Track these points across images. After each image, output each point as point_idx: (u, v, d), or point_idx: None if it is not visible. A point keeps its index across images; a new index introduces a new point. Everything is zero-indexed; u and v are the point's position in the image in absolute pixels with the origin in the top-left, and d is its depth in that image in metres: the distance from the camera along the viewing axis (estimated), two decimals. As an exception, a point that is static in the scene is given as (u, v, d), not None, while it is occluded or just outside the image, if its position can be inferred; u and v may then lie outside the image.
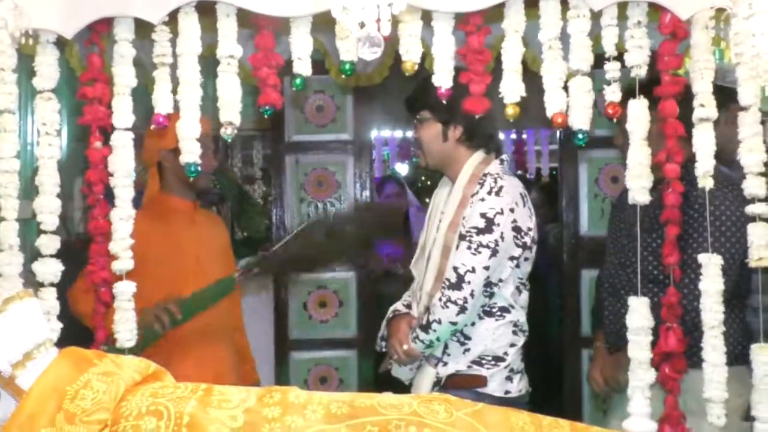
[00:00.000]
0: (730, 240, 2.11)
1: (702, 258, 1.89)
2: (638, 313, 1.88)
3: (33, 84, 1.92)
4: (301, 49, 1.91)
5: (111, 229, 1.93)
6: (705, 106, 1.87)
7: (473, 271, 2.20)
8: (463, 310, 2.20)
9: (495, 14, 1.94)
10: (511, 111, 1.88)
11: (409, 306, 2.47)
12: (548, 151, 6.35)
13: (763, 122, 1.94)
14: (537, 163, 6.54)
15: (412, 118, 2.50)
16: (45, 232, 1.91)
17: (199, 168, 1.89)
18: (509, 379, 2.29)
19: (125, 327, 1.88)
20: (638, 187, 1.88)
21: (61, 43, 1.95)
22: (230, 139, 1.93)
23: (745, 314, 2.28)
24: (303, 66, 1.92)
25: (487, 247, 2.20)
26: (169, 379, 1.20)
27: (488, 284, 2.23)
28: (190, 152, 1.88)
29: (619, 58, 1.89)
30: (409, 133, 6.12)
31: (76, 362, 1.09)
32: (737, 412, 2.05)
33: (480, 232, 2.22)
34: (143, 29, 1.93)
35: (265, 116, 1.91)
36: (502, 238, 2.22)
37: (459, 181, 2.37)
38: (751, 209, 1.84)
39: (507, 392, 2.27)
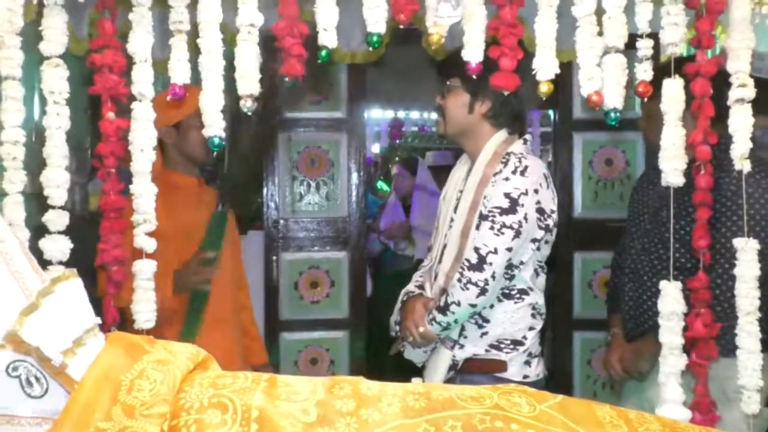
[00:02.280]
0: (761, 224, 2.07)
1: (738, 242, 1.84)
2: (670, 298, 1.83)
3: (39, 50, 1.79)
4: (326, 20, 1.81)
5: (123, 206, 1.84)
6: (744, 86, 1.82)
7: (495, 252, 2.14)
8: (483, 292, 2.14)
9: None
10: (545, 88, 1.81)
11: (421, 287, 2.40)
12: (539, 133, 6.31)
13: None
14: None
15: (441, 83, 2.40)
16: (53, 207, 1.79)
17: (223, 142, 1.79)
18: (527, 363, 2.24)
19: (144, 307, 1.79)
20: (672, 169, 1.82)
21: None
22: (250, 112, 1.83)
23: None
24: (329, 37, 1.82)
25: (511, 228, 2.14)
26: (216, 366, 1.12)
27: (509, 266, 2.17)
28: (213, 125, 1.78)
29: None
30: (402, 113, 6.04)
31: (127, 349, 1.00)
32: (762, 398, 2.03)
33: (504, 212, 2.16)
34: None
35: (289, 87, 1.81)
36: (525, 219, 2.16)
37: (480, 159, 2.30)
38: None
39: (525, 377, 2.23)
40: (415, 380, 2.20)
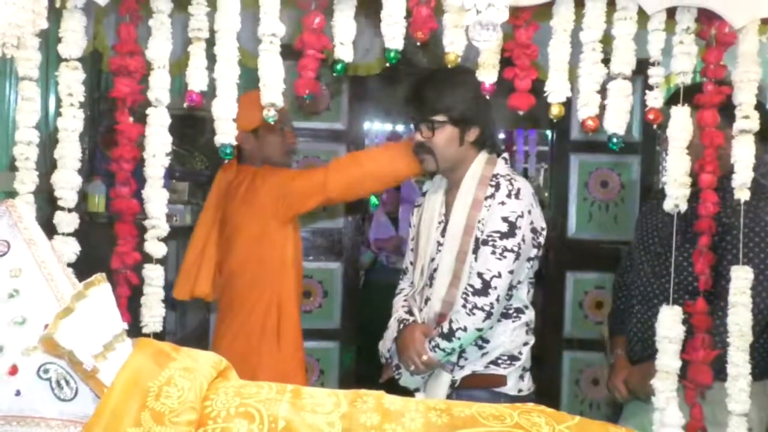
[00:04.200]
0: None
1: (733, 269, 1.88)
2: (669, 322, 1.86)
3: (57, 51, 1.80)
4: (344, 34, 1.83)
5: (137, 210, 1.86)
6: (748, 118, 1.86)
7: (499, 276, 2.16)
8: (489, 315, 2.16)
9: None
10: (556, 111, 1.84)
11: (410, 312, 2.38)
12: (536, 152, 6.37)
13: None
14: (524, 163, 6.55)
15: (417, 119, 2.32)
16: (63, 208, 1.80)
17: (234, 150, 1.80)
18: (521, 377, 2.27)
19: (152, 312, 1.79)
20: (679, 194, 1.85)
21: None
22: (273, 121, 1.84)
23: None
24: (345, 51, 1.84)
25: (512, 251, 2.17)
26: (235, 375, 1.13)
27: (510, 287, 2.20)
28: (225, 133, 1.79)
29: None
30: (400, 127, 6.06)
31: (154, 356, 1.01)
32: (763, 425, 2.06)
33: (503, 236, 2.18)
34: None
35: (306, 101, 1.83)
36: (523, 241, 2.19)
37: (467, 183, 2.29)
38: None
39: (520, 390, 2.25)
40: (419, 395, 2.21)
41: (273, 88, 1.78)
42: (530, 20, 1.87)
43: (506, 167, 2.32)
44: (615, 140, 1.86)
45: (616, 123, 1.84)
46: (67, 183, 1.83)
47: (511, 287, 2.20)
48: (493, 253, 2.17)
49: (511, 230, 2.18)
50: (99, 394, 0.96)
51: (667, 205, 1.88)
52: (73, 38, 1.81)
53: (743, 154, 1.85)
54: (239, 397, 1.00)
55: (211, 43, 1.83)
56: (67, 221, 1.83)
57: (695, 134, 1.89)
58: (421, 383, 2.31)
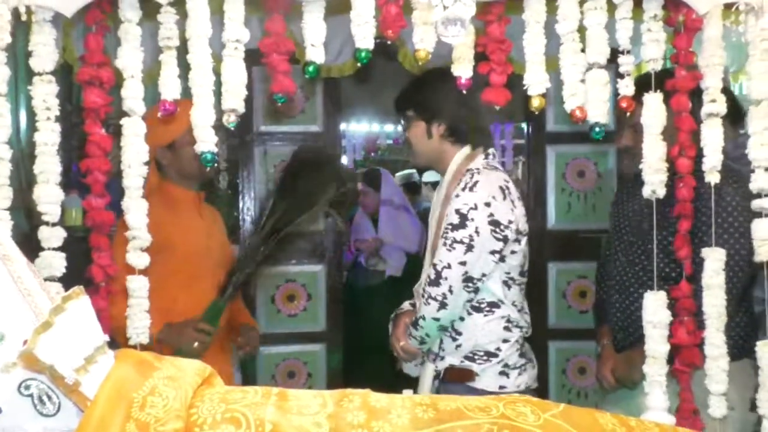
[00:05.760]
0: (744, 236, 2.12)
1: (705, 251, 1.89)
2: (654, 307, 1.88)
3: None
4: (313, 35, 1.83)
5: (112, 222, 1.84)
6: (715, 102, 1.88)
7: (449, 267, 2.20)
8: (443, 305, 2.21)
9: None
10: (537, 103, 1.85)
11: (414, 304, 2.44)
12: (512, 146, 6.41)
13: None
14: (502, 157, 6.60)
15: (400, 117, 2.50)
16: (47, 223, 1.78)
17: (216, 157, 1.79)
18: (504, 374, 2.27)
19: (135, 324, 1.78)
20: (656, 181, 1.87)
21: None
22: (234, 127, 1.84)
23: (752, 306, 2.30)
24: (316, 53, 1.84)
25: (461, 242, 2.19)
26: (220, 382, 1.13)
27: (469, 279, 2.21)
28: (205, 141, 1.78)
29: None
30: (375, 126, 6.07)
31: (137, 366, 1.00)
32: (745, 404, 2.08)
33: (454, 228, 2.21)
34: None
35: (279, 104, 1.83)
36: (477, 232, 2.20)
37: (445, 177, 2.38)
38: (757, 204, 1.85)
39: (502, 387, 2.26)
40: (406, 392, 2.22)
41: (235, 94, 1.77)
42: (502, 15, 1.89)
43: (483, 161, 2.33)
44: (597, 129, 1.87)
45: (597, 112, 1.86)
46: (49, 197, 1.81)
47: (471, 279, 2.21)
48: (444, 244, 2.22)
49: (462, 222, 2.21)
50: (82, 407, 0.96)
51: (645, 192, 1.90)
52: (45, 51, 1.79)
53: (712, 137, 1.88)
54: (225, 402, 1.00)
55: (181, 50, 1.82)
56: (52, 236, 1.82)
57: (667, 120, 1.91)
58: (419, 371, 2.40)
